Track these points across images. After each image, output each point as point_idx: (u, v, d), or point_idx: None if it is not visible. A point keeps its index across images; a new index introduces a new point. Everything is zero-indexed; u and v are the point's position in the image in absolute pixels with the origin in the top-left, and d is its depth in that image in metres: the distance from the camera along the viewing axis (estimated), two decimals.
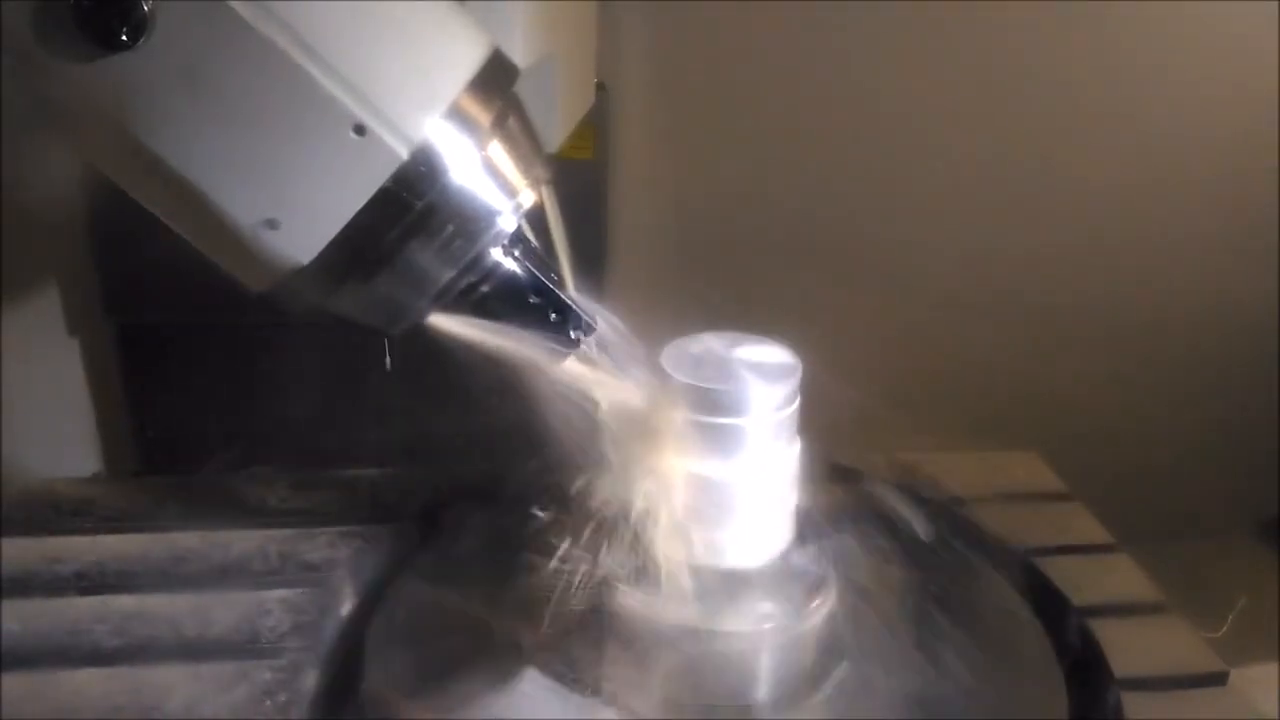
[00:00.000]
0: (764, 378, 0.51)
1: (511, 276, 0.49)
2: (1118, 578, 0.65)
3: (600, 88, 0.97)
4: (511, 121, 0.48)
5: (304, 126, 0.43)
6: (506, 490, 0.65)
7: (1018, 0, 1.02)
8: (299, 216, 0.44)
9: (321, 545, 0.65)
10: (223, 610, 0.59)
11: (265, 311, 0.49)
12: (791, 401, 0.52)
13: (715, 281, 1.06)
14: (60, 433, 1.05)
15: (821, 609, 0.54)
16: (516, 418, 0.52)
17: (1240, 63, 1.07)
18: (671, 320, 0.54)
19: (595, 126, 0.97)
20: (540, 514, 0.57)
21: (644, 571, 0.52)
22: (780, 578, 0.54)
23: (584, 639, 0.55)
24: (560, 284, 0.50)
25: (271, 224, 0.44)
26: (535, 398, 0.52)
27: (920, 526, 0.59)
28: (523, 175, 0.48)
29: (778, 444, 0.52)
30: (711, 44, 1.05)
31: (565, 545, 0.55)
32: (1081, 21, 1.03)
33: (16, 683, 0.53)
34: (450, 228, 0.46)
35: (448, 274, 0.47)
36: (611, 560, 0.53)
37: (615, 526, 0.53)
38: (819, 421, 0.54)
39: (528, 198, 0.49)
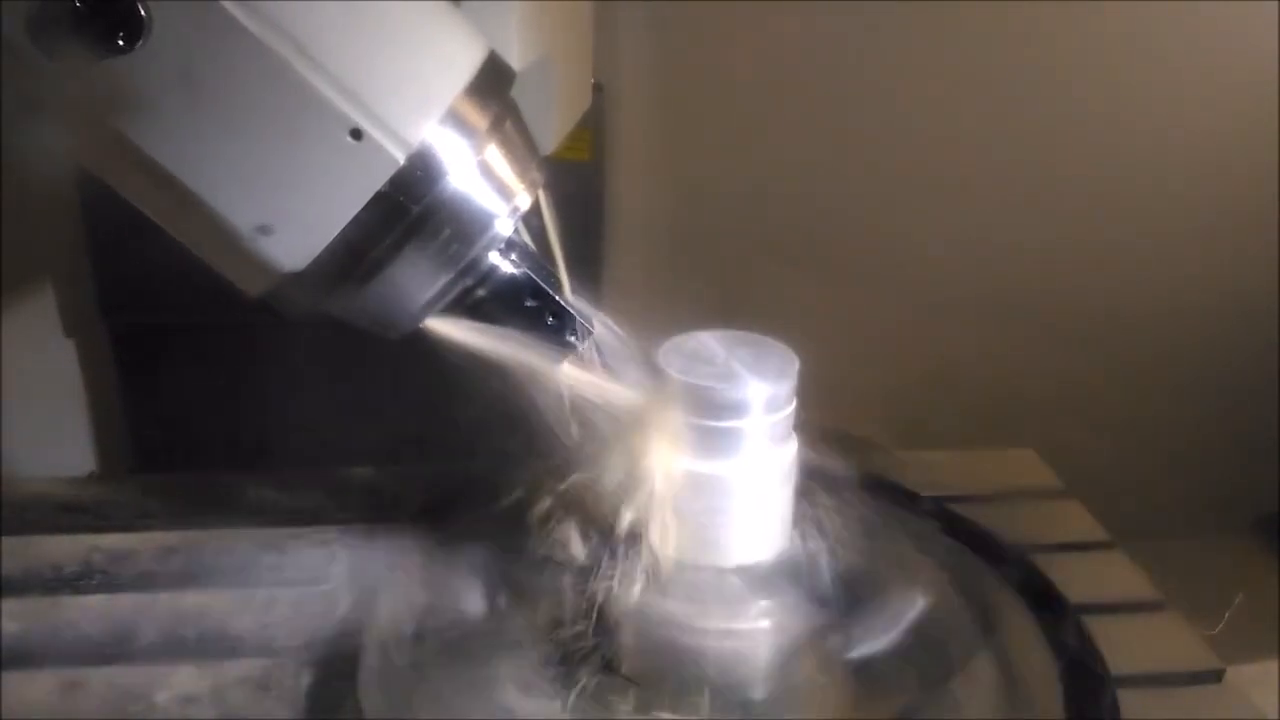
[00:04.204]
0: (762, 375, 0.51)
1: (508, 280, 0.49)
2: (1114, 575, 0.65)
3: (597, 89, 0.97)
4: (508, 125, 0.48)
5: (300, 131, 0.43)
6: (504, 490, 0.65)
7: (1016, 0, 1.02)
8: (295, 221, 0.44)
9: (318, 544, 0.65)
10: (219, 609, 0.59)
11: (261, 312, 0.49)
12: (789, 399, 0.52)
13: (713, 282, 1.06)
14: (57, 433, 1.05)
15: (818, 607, 0.54)
16: (514, 418, 0.52)
17: (1240, 61, 1.07)
18: (668, 322, 0.54)
19: (592, 128, 0.97)
20: (537, 514, 0.57)
21: (642, 570, 0.52)
22: (778, 575, 0.54)
23: (582, 638, 0.55)
24: (557, 287, 0.50)
25: (265, 230, 0.44)
26: (533, 399, 0.52)
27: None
28: (519, 178, 0.48)
29: (775, 442, 0.52)
30: (709, 45, 1.05)
31: (563, 544, 0.55)
32: (1079, 19, 1.03)
33: (14, 682, 0.54)
34: (447, 231, 0.46)
35: (444, 278, 0.47)
36: (609, 559, 0.53)
37: (613, 525, 0.53)
38: (815, 419, 0.54)
39: (524, 201, 0.49)
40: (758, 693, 0.53)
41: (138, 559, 0.63)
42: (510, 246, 0.49)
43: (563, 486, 0.55)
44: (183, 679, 0.54)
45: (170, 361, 0.98)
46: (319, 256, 0.45)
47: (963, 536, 0.66)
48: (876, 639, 0.55)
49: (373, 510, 0.68)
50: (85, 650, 0.56)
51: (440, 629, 0.57)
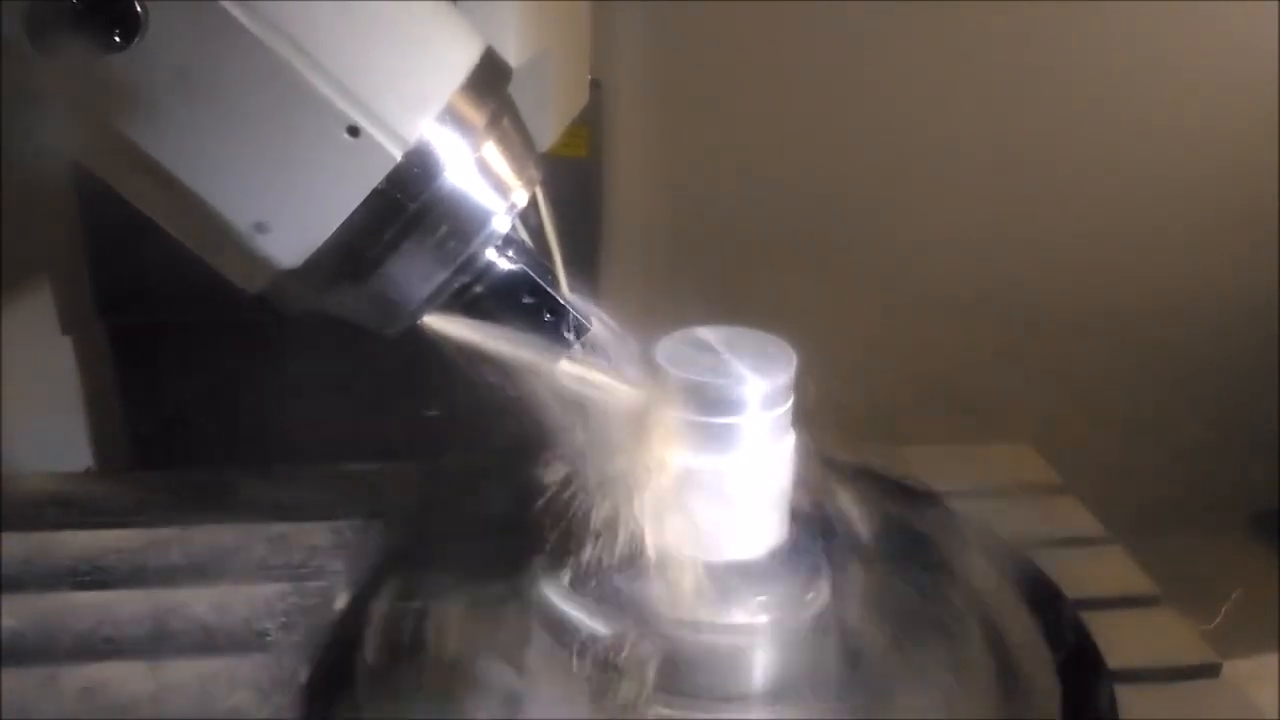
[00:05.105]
0: (759, 371, 0.51)
1: (505, 276, 0.49)
2: (1112, 570, 0.65)
3: (595, 85, 0.97)
4: (505, 122, 0.48)
5: (297, 128, 0.43)
6: (501, 486, 0.65)
7: (1016, 0, 1.03)
8: (292, 218, 0.44)
9: (315, 540, 0.65)
10: (217, 605, 0.59)
11: (258, 309, 0.49)
12: (787, 394, 0.52)
13: (710, 279, 1.06)
14: (54, 429, 1.05)
15: (816, 602, 0.54)
16: (512, 415, 0.52)
17: (1240, 60, 1.07)
18: (666, 318, 0.54)
19: (590, 124, 0.97)
20: (535, 510, 0.57)
21: (641, 565, 0.53)
22: (776, 571, 0.54)
23: (580, 634, 0.55)
24: (554, 284, 0.50)
25: (262, 227, 0.44)
26: (531, 395, 0.52)
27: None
28: (516, 176, 0.48)
29: (773, 437, 0.52)
30: (707, 41, 1.05)
31: (561, 540, 0.55)
32: (1079, 19, 1.03)
33: (11, 679, 0.54)
34: (444, 229, 0.46)
35: (441, 275, 0.47)
36: (607, 555, 0.53)
37: (610, 521, 0.53)
38: (814, 416, 0.54)
39: (521, 198, 0.49)
40: (755, 687, 0.53)
41: (135, 555, 0.63)
42: (507, 243, 0.49)
43: (561, 483, 0.55)
44: (180, 675, 0.54)
45: (167, 358, 0.98)
46: (316, 253, 0.45)
47: (961, 532, 0.66)
48: (874, 634, 0.55)
49: (369, 506, 0.68)
50: (83, 646, 0.56)
51: (438, 627, 0.57)
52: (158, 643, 0.57)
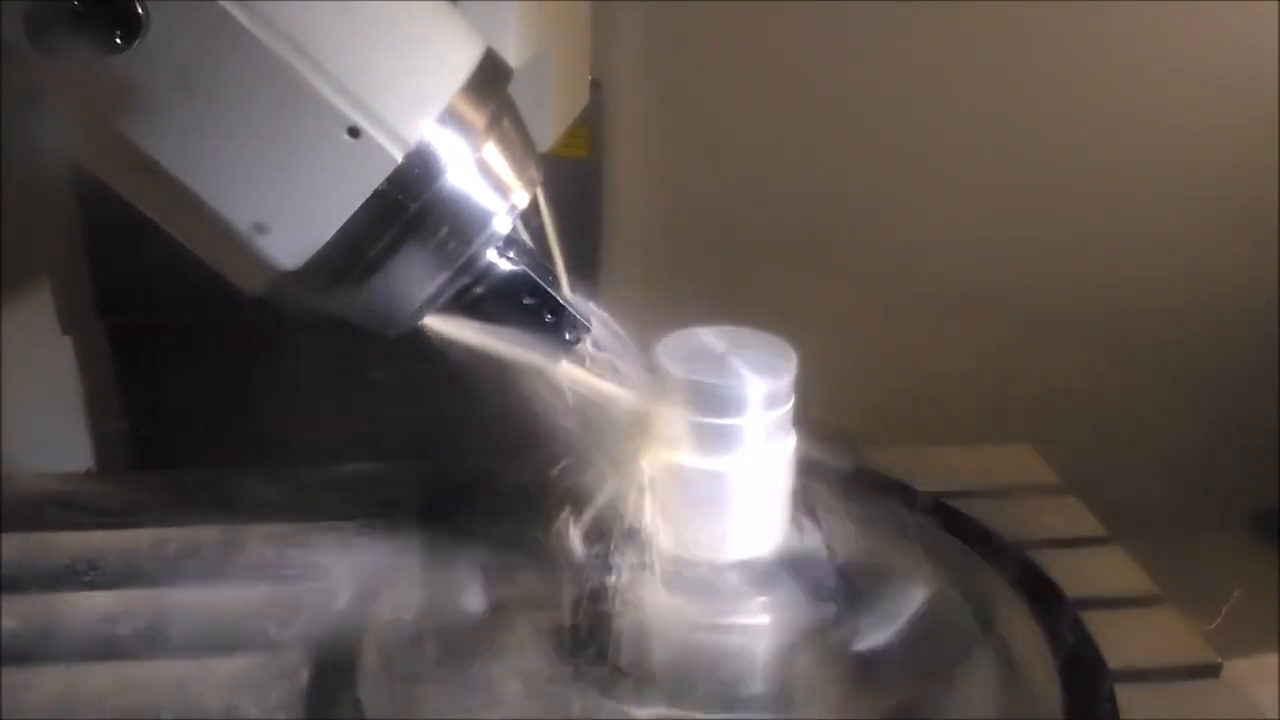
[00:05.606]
0: (760, 371, 0.51)
1: (506, 277, 0.49)
2: (1112, 570, 0.65)
3: (595, 85, 0.97)
4: (505, 122, 0.48)
5: (298, 129, 0.43)
6: (503, 487, 0.65)
7: (1017, 0, 1.03)
8: (293, 219, 0.44)
9: (317, 540, 0.65)
10: (217, 606, 0.59)
11: (259, 310, 0.49)
12: (788, 395, 0.52)
13: (711, 280, 1.06)
14: (54, 429, 1.05)
15: (818, 603, 0.54)
16: (513, 415, 0.52)
17: (1240, 60, 1.07)
18: (666, 318, 0.54)
19: (590, 124, 0.97)
20: (538, 511, 0.57)
21: (642, 566, 0.53)
22: (778, 571, 0.54)
23: (583, 634, 0.55)
24: (555, 284, 0.50)
25: (262, 228, 0.44)
26: (532, 396, 0.52)
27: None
28: (517, 176, 0.48)
29: (773, 437, 0.52)
30: (707, 41, 1.05)
31: (563, 541, 0.55)
32: (1080, 19, 1.03)
33: (11, 678, 0.53)
34: (445, 230, 0.46)
35: (442, 276, 0.47)
36: (609, 555, 0.53)
37: (613, 522, 0.53)
38: (814, 416, 0.54)
39: (522, 199, 0.49)
40: (757, 688, 0.53)
41: (135, 555, 0.63)
42: (508, 244, 0.49)
43: (562, 484, 0.55)
44: (180, 675, 0.54)
45: (167, 359, 0.98)
46: (317, 254, 0.45)
47: (961, 532, 0.66)
48: (876, 634, 0.55)
49: (372, 507, 0.68)
50: (83, 647, 0.56)
51: (440, 626, 0.57)
52: (157, 643, 0.57)
